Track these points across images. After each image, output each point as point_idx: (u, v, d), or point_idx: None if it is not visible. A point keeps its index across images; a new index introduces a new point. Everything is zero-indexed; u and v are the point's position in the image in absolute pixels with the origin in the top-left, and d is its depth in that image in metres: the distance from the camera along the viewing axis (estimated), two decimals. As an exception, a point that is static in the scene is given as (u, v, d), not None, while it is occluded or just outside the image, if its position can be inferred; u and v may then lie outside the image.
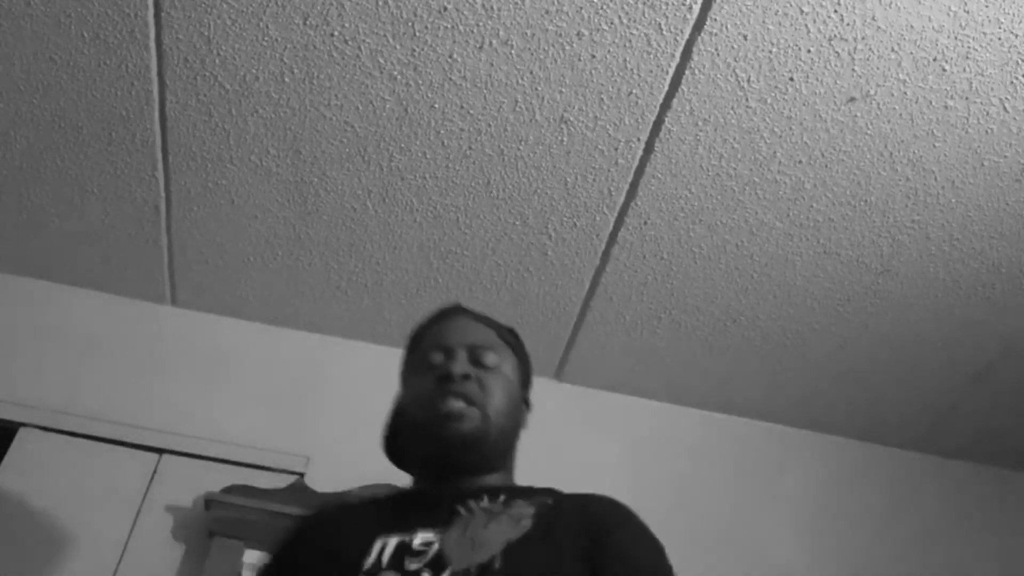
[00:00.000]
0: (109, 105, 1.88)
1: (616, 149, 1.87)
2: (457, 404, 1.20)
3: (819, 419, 2.53)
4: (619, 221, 2.02)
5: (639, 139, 1.84)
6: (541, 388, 2.54)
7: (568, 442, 2.37)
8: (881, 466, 2.55)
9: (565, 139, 1.86)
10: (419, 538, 1.09)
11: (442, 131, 1.87)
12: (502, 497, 1.16)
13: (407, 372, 1.34)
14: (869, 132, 1.78)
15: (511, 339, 1.37)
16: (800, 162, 1.86)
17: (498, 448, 1.23)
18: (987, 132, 1.76)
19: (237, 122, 1.89)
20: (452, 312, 1.38)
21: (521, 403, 1.32)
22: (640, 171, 1.91)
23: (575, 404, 2.47)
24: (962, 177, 1.85)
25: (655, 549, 1.15)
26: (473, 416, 1.20)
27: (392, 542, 1.09)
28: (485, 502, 1.15)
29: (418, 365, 1.30)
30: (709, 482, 2.43)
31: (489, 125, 1.85)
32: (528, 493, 1.19)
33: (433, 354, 1.28)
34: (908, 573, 2.39)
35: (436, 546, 1.07)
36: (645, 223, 2.02)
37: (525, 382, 1.37)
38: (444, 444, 1.19)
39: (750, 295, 2.17)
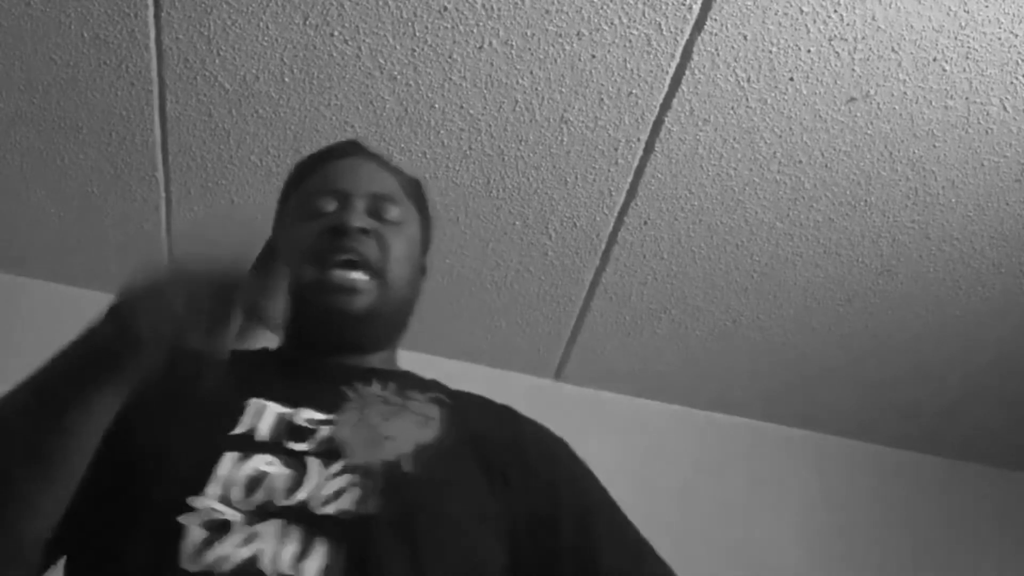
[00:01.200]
0: (109, 105, 1.88)
1: (616, 149, 1.87)
2: (351, 276, 0.99)
3: (819, 419, 2.53)
4: (619, 221, 2.02)
5: (639, 139, 1.84)
6: (541, 388, 2.55)
7: (568, 442, 2.36)
8: (881, 466, 2.55)
9: (565, 139, 1.86)
10: (302, 414, 0.91)
11: (442, 131, 1.87)
12: (392, 385, 0.99)
13: (286, 214, 1.12)
14: (869, 132, 1.78)
15: (416, 191, 1.16)
16: (800, 162, 1.86)
17: (393, 325, 1.06)
18: (987, 132, 1.75)
19: (237, 122, 1.89)
20: (349, 150, 1.14)
21: (419, 271, 1.14)
22: (640, 171, 1.91)
23: (575, 404, 2.46)
24: (962, 177, 1.85)
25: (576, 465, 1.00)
26: (370, 290, 1.00)
27: (271, 410, 0.91)
28: (375, 388, 0.98)
29: (302, 208, 1.07)
30: (709, 482, 2.42)
31: (489, 125, 1.85)
32: (419, 384, 1.03)
33: (323, 198, 1.05)
34: (908, 573, 2.39)
35: (327, 430, 0.89)
36: (645, 223, 2.02)
37: (426, 245, 1.18)
38: (330, 321, 0.99)
39: (750, 295, 2.17)
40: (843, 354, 2.30)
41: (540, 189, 1.97)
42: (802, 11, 1.59)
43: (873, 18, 1.59)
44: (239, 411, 0.90)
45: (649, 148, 1.86)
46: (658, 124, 1.81)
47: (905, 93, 1.71)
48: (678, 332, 2.29)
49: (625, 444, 2.44)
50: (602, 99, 1.77)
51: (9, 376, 2.40)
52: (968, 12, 1.56)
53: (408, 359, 2.82)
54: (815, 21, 1.60)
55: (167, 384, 0.87)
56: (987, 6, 1.55)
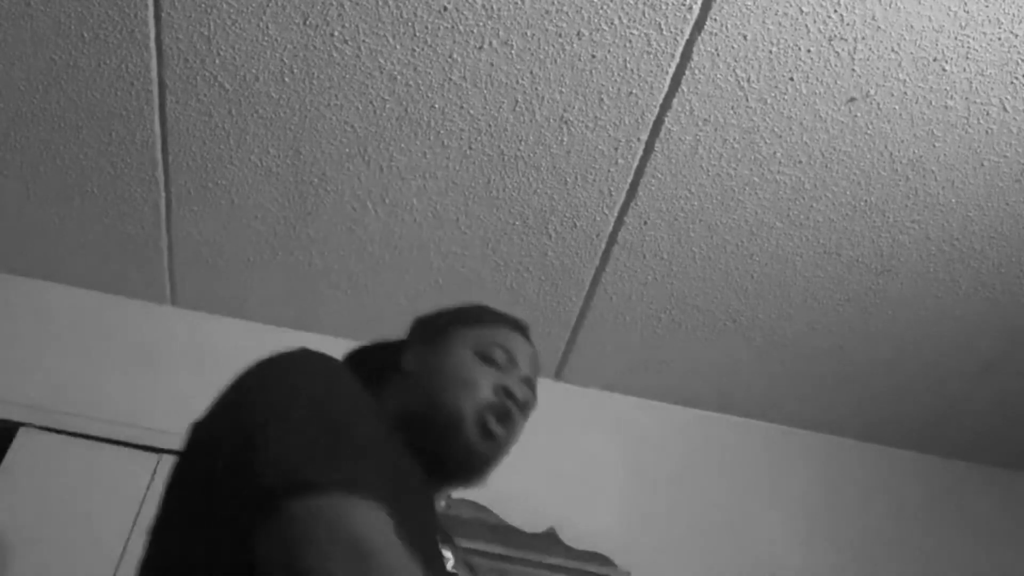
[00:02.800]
0: (109, 105, 1.88)
1: (616, 149, 1.87)
2: (501, 430, 1.07)
3: (819, 419, 2.53)
4: (619, 221, 2.02)
5: (639, 139, 1.84)
6: (541, 388, 2.55)
7: (568, 442, 2.37)
8: (881, 466, 2.55)
9: (565, 139, 1.86)
10: (449, 559, 1.01)
11: (442, 131, 1.87)
12: (452, 544, 1.11)
13: (457, 342, 1.16)
14: (869, 132, 1.78)
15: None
16: (800, 162, 1.86)
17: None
18: (987, 132, 1.76)
19: (237, 122, 1.89)
20: (526, 330, 1.26)
21: None
22: (640, 171, 1.91)
23: (575, 404, 2.47)
24: (962, 177, 1.85)
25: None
26: (503, 450, 1.09)
27: (449, 558, 1.01)
28: (459, 550, 1.09)
29: (477, 347, 1.14)
30: (709, 482, 2.43)
31: (489, 125, 1.85)
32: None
33: (498, 351, 1.14)
34: (908, 573, 2.39)
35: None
36: (645, 223, 2.02)
37: None
38: (471, 461, 1.07)
39: (750, 295, 2.17)
40: (843, 354, 2.30)
41: (540, 189, 1.97)
42: (802, 11, 1.59)
43: (873, 18, 1.59)
44: (442, 556, 0.99)
45: (649, 148, 1.86)
46: (658, 124, 1.81)
47: (905, 93, 1.71)
48: (678, 332, 2.29)
49: (625, 443, 2.44)
50: (602, 99, 1.77)
51: (9, 376, 2.40)
52: (968, 12, 1.56)
53: (408, 359, 2.76)
54: (815, 21, 1.60)
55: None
56: (987, 6, 1.55)
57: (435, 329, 1.20)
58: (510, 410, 1.09)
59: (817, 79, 1.69)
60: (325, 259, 2.20)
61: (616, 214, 2.01)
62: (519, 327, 1.24)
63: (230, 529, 0.77)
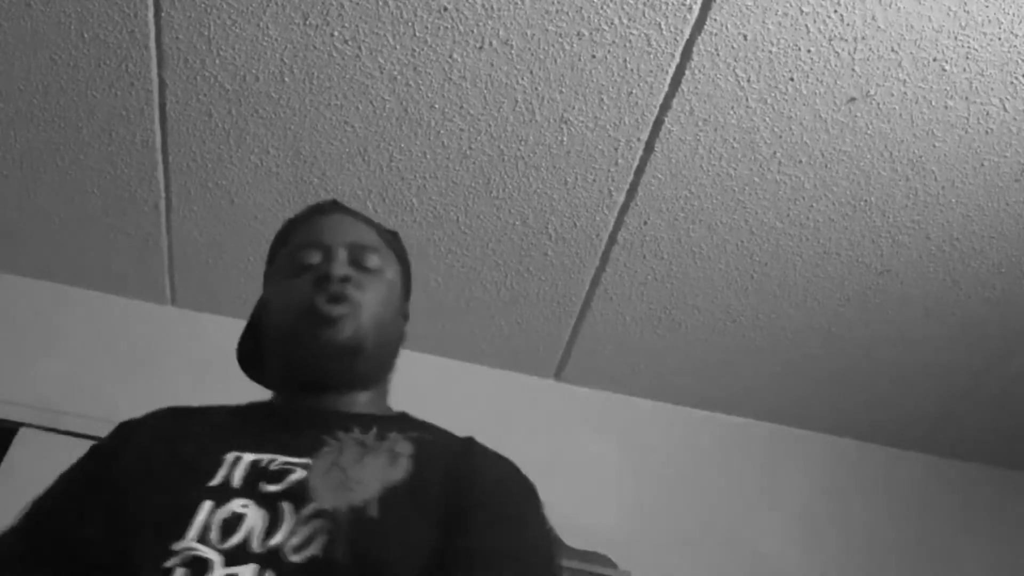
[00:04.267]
0: (109, 105, 1.88)
1: (616, 149, 1.87)
2: (336, 308, 1.05)
3: (819, 419, 2.53)
4: (619, 221, 2.02)
5: (639, 139, 1.84)
6: (541, 388, 2.55)
7: (568, 442, 2.37)
8: (881, 466, 2.55)
9: (565, 139, 1.86)
10: (278, 460, 0.94)
11: (442, 131, 1.87)
12: (374, 429, 1.01)
13: (273, 273, 1.19)
14: (869, 132, 1.78)
15: (394, 242, 1.23)
16: (800, 162, 1.86)
17: (374, 362, 1.10)
18: (987, 132, 1.76)
19: (237, 122, 1.89)
20: (328, 208, 1.22)
21: (401, 315, 1.19)
22: (640, 171, 1.91)
23: (575, 404, 2.47)
24: (962, 177, 1.85)
25: (535, 549, 0.95)
26: (351, 320, 1.05)
27: (245, 460, 0.94)
28: (356, 433, 1.00)
29: (289, 265, 1.14)
30: (709, 482, 2.43)
31: (489, 125, 1.85)
32: (403, 425, 1.06)
33: (307, 253, 1.13)
34: (907, 573, 2.39)
35: (299, 473, 0.92)
36: (645, 223, 2.02)
37: (406, 292, 1.23)
38: (317, 351, 1.05)
39: (750, 295, 2.17)
40: (843, 354, 2.30)
41: (540, 189, 1.97)
42: (802, 11, 1.59)
43: (873, 18, 1.59)
44: (217, 464, 0.94)
45: (649, 148, 1.86)
46: (658, 124, 1.81)
47: (905, 93, 1.71)
48: (678, 332, 2.29)
49: (624, 444, 2.44)
50: (602, 99, 1.77)
51: (9, 376, 2.40)
52: (968, 12, 1.56)
53: (409, 359, 2.81)
54: (815, 21, 1.60)
55: (147, 446, 1.00)
56: (987, 6, 1.55)
57: (265, 274, 1.23)
58: (325, 286, 1.07)
59: (817, 79, 1.69)
60: (325, 259, 2.20)
61: (616, 214, 2.01)
62: (320, 210, 1.22)
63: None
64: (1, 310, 2.30)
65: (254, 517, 0.88)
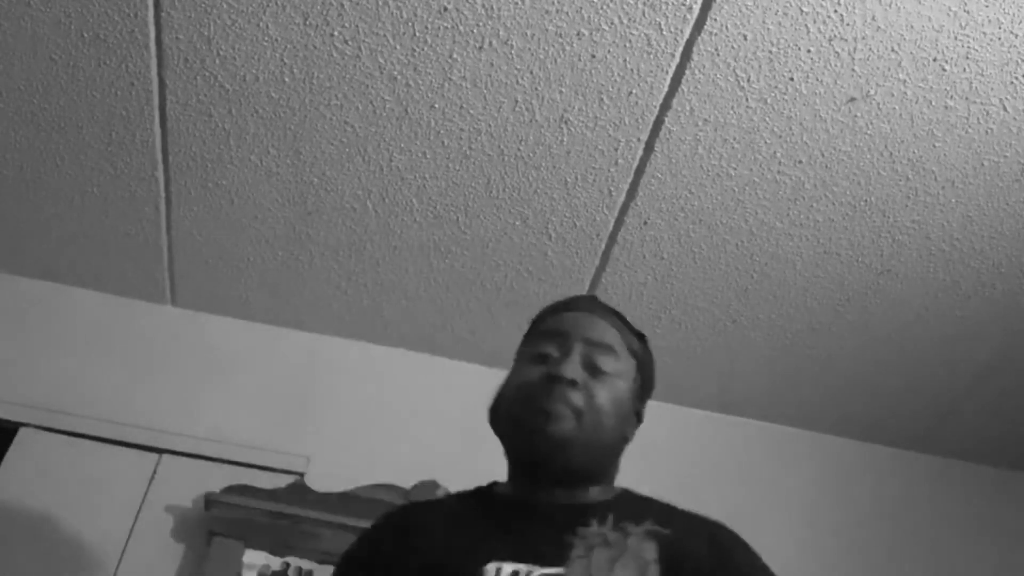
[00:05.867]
0: (109, 105, 1.88)
1: (616, 149, 1.87)
2: (557, 406, 1.12)
3: (819, 419, 2.53)
4: (619, 221, 2.02)
5: (639, 139, 1.84)
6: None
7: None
8: (881, 466, 2.55)
9: (565, 139, 1.86)
10: (535, 572, 1.01)
11: (442, 131, 1.87)
12: (610, 518, 1.08)
13: (519, 353, 1.26)
14: (869, 132, 1.78)
15: (637, 345, 1.26)
16: (800, 162, 1.86)
17: (593, 458, 1.14)
18: (987, 132, 1.76)
19: (237, 122, 1.89)
20: (582, 301, 1.28)
21: (632, 416, 1.23)
22: (640, 171, 1.91)
23: (575, 404, 2.46)
24: (962, 177, 1.85)
25: None
26: (568, 420, 1.11)
27: (506, 571, 1.01)
28: (595, 527, 1.06)
29: (530, 352, 1.21)
30: (709, 482, 2.42)
31: (489, 125, 1.85)
32: (634, 512, 1.11)
33: (547, 342, 1.19)
34: (908, 573, 2.39)
35: None
36: (645, 223, 2.02)
37: (642, 395, 1.26)
38: (534, 443, 1.12)
39: (750, 295, 2.17)
40: (843, 354, 2.30)
41: (540, 189, 1.97)
42: (802, 11, 1.59)
43: (873, 18, 1.59)
44: (478, 572, 1.01)
45: (649, 148, 1.86)
46: (658, 124, 1.81)
47: (905, 93, 1.71)
48: (678, 332, 2.29)
49: (625, 444, 2.44)
50: (602, 99, 1.77)
51: (9, 376, 2.40)
52: (968, 12, 1.56)
53: (409, 359, 2.81)
54: (815, 21, 1.60)
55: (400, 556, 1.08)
56: (987, 6, 1.55)
57: (517, 350, 1.29)
58: (553, 386, 1.12)
59: (817, 79, 1.69)
60: (325, 259, 2.20)
61: (616, 214, 2.01)
62: (565, 306, 1.27)
63: None
64: (1, 310, 2.30)
65: None
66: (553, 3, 1.62)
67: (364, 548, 1.17)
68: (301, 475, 2.16)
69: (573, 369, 1.14)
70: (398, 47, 1.72)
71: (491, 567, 1.00)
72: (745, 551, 1.14)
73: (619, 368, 1.19)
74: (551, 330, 1.21)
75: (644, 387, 1.26)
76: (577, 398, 1.13)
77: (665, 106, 1.77)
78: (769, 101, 1.74)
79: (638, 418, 1.25)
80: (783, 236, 2.02)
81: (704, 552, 1.08)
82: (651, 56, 1.69)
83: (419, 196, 2.02)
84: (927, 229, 1.96)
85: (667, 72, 1.71)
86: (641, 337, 1.28)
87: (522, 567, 1.01)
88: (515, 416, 1.14)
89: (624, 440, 1.21)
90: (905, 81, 1.68)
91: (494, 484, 1.21)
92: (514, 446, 1.16)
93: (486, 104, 1.80)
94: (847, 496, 2.48)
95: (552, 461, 1.12)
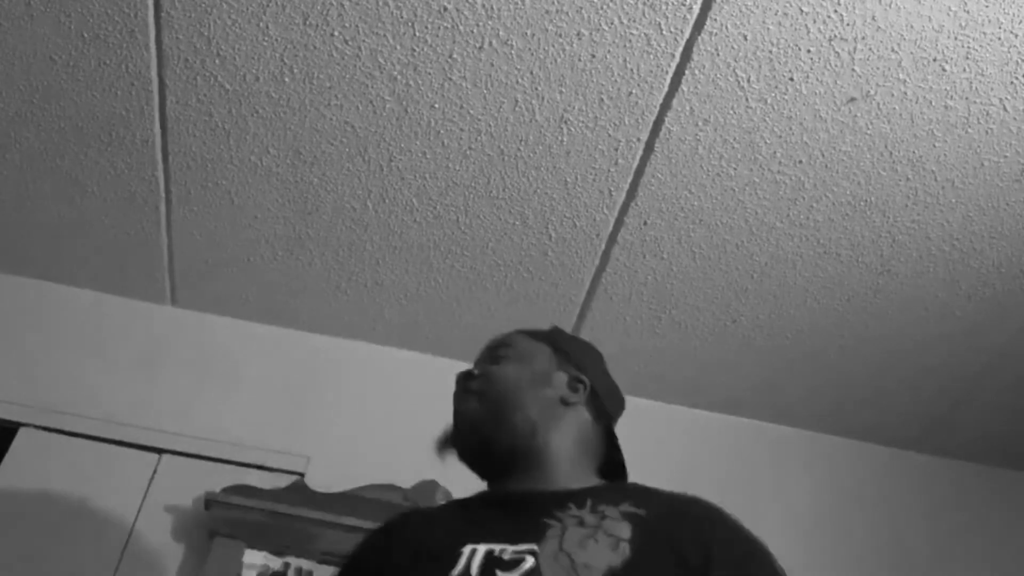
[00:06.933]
0: (109, 105, 1.88)
1: (616, 149, 1.87)
2: (462, 397, 1.26)
3: (819, 419, 2.53)
4: (619, 221, 2.02)
5: (639, 139, 1.84)
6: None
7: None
8: (881, 466, 2.55)
9: (565, 139, 1.86)
10: (509, 550, 1.06)
11: (442, 131, 1.87)
12: (588, 502, 1.12)
13: None
14: (869, 132, 1.78)
15: (546, 334, 1.37)
16: (800, 162, 1.86)
17: (514, 425, 1.22)
18: (987, 132, 1.76)
19: (237, 122, 1.89)
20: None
21: (551, 380, 1.28)
22: (640, 171, 1.91)
23: (575, 404, 2.46)
24: (962, 177, 1.85)
25: (767, 562, 1.14)
26: (471, 401, 1.25)
27: (481, 550, 1.07)
28: (573, 510, 1.11)
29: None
30: (709, 482, 2.41)
31: (489, 125, 1.85)
32: (612, 497, 1.14)
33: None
34: (907, 573, 2.39)
35: (531, 561, 1.03)
36: (645, 223, 2.02)
37: (568, 364, 1.32)
38: (459, 439, 1.25)
39: (750, 295, 2.17)
40: (843, 354, 2.30)
41: (540, 189, 1.97)
42: (802, 11, 1.59)
43: (873, 18, 1.59)
44: (457, 556, 1.07)
45: (649, 148, 1.86)
46: (658, 124, 1.81)
47: (905, 93, 1.71)
48: (678, 332, 2.29)
49: (623, 444, 2.43)
50: (602, 99, 1.77)
51: (9, 376, 2.40)
52: (968, 12, 1.56)
53: (409, 359, 2.81)
54: (815, 21, 1.60)
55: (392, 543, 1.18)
56: (987, 6, 1.55)
57: None
58: (458, 387, 1.28)
59: (817, 79, 1.69)
60: (325, 259, 2.20)
61: (616, 214, 2.01)
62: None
63: None
64: (1, 310, 2.30)
65: None
66: (553, 3, 1.62)
67: (360, 549, 1.25)
68: (301, 475, 2.16)
69: (475, 366, 1.29)
70: (398, 47, 1.72)
71: (467, 548, 1.07)
72: (723, 522, 1.18)
73: (521, 350, 1.30)
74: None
75: (569, 358, 1.32)
76: (475, 383, 1.26)
77: (665, 106, 1.77)
78: (769, 101, 1.74)
79: (578, 382, 1.29)
80: (783, 236, 2.02)
81: (683, 530, 1.10)
82: (651, 56, 1.69)
83: (419, 196, 2.02)
84: (927, 229, 1.96)
85: (667, 72, 1.71)
86: (553, 329, 1.40)
87: (496, 546, 1.06)
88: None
89: (552, 403, 1.25)
90: (905, 81, 1.68)
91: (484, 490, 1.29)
92: (458, 454, 1.26)
93: (486, 104, 1.80)
94: (847, 496, 2.48)
95: (473, 443, 1.23)
